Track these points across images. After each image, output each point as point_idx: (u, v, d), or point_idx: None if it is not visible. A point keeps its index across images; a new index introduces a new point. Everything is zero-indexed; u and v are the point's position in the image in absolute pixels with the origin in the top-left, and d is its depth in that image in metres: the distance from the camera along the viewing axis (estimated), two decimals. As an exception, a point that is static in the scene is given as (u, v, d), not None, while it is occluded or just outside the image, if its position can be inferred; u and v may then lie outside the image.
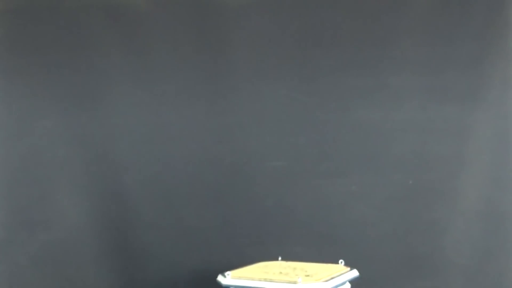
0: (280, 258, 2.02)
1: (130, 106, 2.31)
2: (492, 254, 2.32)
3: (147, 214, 2.31)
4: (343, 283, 1.80)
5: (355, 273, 1.84)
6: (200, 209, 2.29)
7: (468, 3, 2.30)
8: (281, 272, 1.85)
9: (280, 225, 2.27)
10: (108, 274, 2.33)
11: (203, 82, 2.28)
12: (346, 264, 1.92)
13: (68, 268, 2.32)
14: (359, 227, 2.30)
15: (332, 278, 1.76)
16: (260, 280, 1.76)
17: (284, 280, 1.75)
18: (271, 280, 1.75)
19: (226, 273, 1.80)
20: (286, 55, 2.31)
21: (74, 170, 2.33)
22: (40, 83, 2.28)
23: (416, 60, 2.32)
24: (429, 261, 2.31)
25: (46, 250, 2.32)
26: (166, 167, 2.35)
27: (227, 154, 2.31)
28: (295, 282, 1.69)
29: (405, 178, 2.32)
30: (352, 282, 1.83)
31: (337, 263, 1.93)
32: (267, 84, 2.31)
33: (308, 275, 1.78)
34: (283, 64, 2.31)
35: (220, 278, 1.79)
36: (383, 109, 2.32)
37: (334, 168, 2.26)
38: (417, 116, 2.32)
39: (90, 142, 2.34)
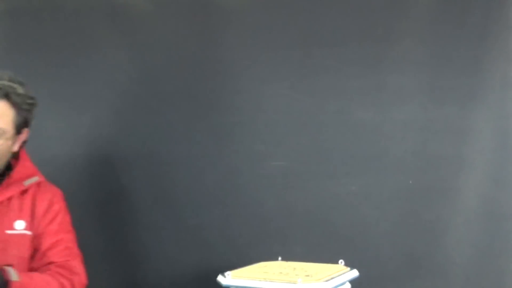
0: (280, 258, 2.02)
1: (130, 106, 2.31)
2: (492, 254, 2.32)
3: (147, 213, 2.30)
4: (343, 283, 1.80)
5: (355, 273, 1.84)
6: (200, 209, 2.29)
7: (468, 3, 2.30)
8: (281, 272, 1.84)
9: (280, 225, 2.27)
10: (108, 274, 2.33)
11: (204, 82, 2.28)
12: (346, 264, 1.92)
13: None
14: (359, 227, 2.30)
15: (332, 278, 1.76)
16: (260, 280, 1.76)
17: (284, 280, 1.75)
18: (271, 280, 1.75)
19: (226, 273, 1.80)
20: (286, 55, 2.31)
21: (74, 170, 2.33)
22: (40, 83, 2.28)
23: (416, 60, 2.32)
24: (429, 261, 2.31)
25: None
26: (166, 167, 2.35)
27: (227, 154, 2.31)
28: (295, 282, 1.69)
29: (405, 178, 2.32)
30: (352, 282, 1.83)
31: (337, 263, 1.93)
32: (267, 84, 2.31)
33: (308, 275, 1.78)
34: (283, 64, 2.31)
35: (220, 278, 1.79)
36: (383, 109, 2.32)
37: (334, 168, 2.26)
38: (417, 116, 2.32)
39: (90, 142, 2.34)
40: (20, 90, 1.85)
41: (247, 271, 1.89)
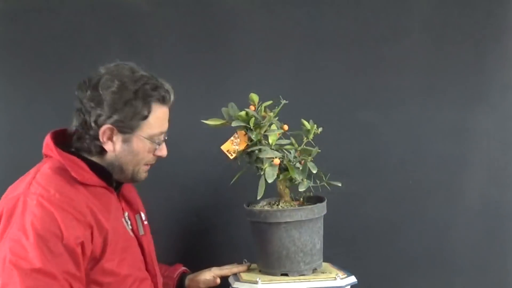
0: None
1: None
2: (492, 254, 2.33)
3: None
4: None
5: (352, 279, 1.83)
6: (200, 209, 2.29)
7: (468, 3, 2.31)
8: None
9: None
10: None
11: (204, 82, 2.28)
12: (346, 264, 1.93)
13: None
14: (359, 227, 2.31)
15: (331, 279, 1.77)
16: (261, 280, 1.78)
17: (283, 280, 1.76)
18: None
19: None
20: (286, 55, 2.31)
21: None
22: (40, 83, 2.28)
23: (416, 60, 2.32)
24: (429, 261, 2.32)
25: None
26: (165, 167, 2.34)
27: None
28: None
29: (405, 178, 2.32)
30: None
31: (336, 263, 1.95)
32: (268, 84, 2.31)
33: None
34: (283, 64, 2.31)
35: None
36: (383, 109, 2.33)
37: (334, 168, 2.26)
38: (417, 116, 2.32)
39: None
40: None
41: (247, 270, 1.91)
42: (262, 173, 1.75)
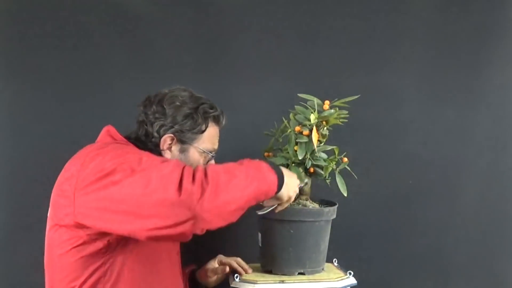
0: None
1: (130, 107, 2.31)
2: (492, 254, 2.33)
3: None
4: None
5: (352, 280, 1.84)
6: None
7: (468, 3, 2.31)
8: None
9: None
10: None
11: (204, 83, 2.28)
12: (346, 265, 1.93)
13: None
14: (359, 227, 2.31)
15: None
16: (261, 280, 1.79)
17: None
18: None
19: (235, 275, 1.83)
20: (287, 55, 2.31)
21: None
22: (40, 83, 2.28)
23: (416, 60, 2.33)
24: (429, 261, 2.32)
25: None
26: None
27: (227, 154, 2.30)
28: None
29: (405, 178, 2.33)
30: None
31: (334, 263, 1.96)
32: (268, 84, 2.31)
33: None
34: (283, 64, 2.31)
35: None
36: (383, 109, 2.33)
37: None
38: (417, 116, 2.33)
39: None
40: None
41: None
42: (336, 171, 1.86)
